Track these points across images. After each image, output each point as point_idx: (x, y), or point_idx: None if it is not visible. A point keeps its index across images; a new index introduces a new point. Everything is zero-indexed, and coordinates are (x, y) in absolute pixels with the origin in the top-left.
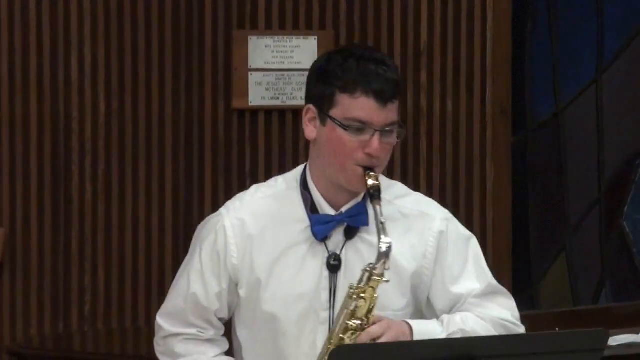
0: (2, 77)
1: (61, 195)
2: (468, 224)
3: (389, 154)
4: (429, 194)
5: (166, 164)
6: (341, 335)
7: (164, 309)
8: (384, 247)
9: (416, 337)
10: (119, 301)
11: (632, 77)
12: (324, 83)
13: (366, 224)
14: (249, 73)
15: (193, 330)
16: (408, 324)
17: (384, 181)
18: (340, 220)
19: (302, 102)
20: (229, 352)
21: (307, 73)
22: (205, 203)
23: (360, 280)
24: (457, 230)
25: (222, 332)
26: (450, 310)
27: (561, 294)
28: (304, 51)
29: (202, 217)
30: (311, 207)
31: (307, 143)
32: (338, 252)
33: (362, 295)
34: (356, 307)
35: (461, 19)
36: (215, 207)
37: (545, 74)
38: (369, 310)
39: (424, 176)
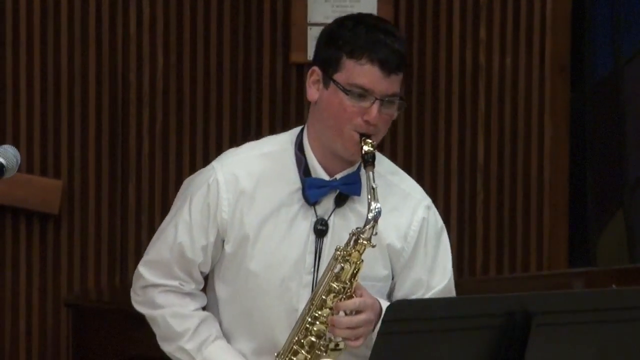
0: (62, 31)
1: (118, 148)
2: (525, 180)
3: (387, 125)
4: (487, 149)
5: (224, 117)
6: (323, 297)
7: (147, 258)
8: (373, 212)
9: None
10: None
11: None
12: (332, 46)
13: (358, 193)
14: (308, 27)
15: (175, 282)
16: (379, 305)
17: (379, 156)
18: (334, 186)
19: None
20: (205, 308)
21: None
22: None
23: (347, 244)
24: (436, 220)
25: (202, 286)
26: (405, 297)
27: (618, 251)
28: (363, 5)
29: None
30: (304, 170)
31: None
32: (326, 218)
33: (347, 258)
34: (341, 269)
35: None
36: None
37: (604, 31)
38: (353, 275)
39: (482, 131)
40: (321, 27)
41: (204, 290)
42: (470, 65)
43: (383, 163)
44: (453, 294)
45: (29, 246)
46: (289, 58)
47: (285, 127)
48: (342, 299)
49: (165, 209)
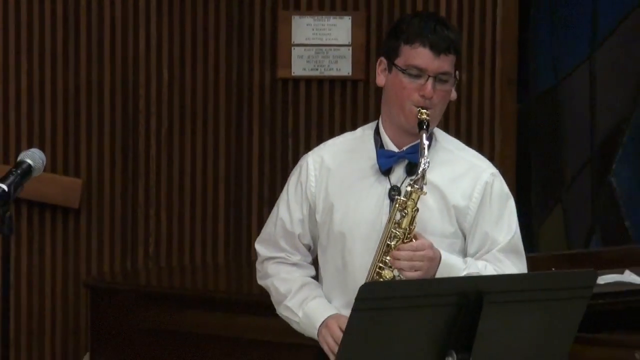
0: (81, 50)
1: (129, 151)
2: None
3: (443, 101)
4: None
5: (220, 124)
6: (388, 242)
7: (260, 237)
8: (423, 165)
9: (442, 267)
10: (179, 243)
11: (620, 54)
12: (393, 37)
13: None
14: (292, 47)
15: (282, 254)
16: (439, 252)
17: (447, 136)
18: (401, 156)
19: (338, 73)
20: (315, 279)
21: (342, 48)
22: (253, 158)
23: (405, 195)
24: (501, 186)
25: (309, 260)
26: (476, 252)
27: (557, 239)
28: (339, 29)
29: (250, 169)
30: (379, 146)
31: (341, 109)
32: (399, 185)
33: (404, 206)
34: (401, 217)
35: (474, 3)
36: (262, 161)
37: (546, 51)
38: (411, 221)
39: None
40: (303, 47)
41: (314, 265)
42: None
43: (453, 141)
44: (519, 249)
45: (53, 236)
46: (276, 74)
47: (272, 133)
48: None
49: (170, 205)
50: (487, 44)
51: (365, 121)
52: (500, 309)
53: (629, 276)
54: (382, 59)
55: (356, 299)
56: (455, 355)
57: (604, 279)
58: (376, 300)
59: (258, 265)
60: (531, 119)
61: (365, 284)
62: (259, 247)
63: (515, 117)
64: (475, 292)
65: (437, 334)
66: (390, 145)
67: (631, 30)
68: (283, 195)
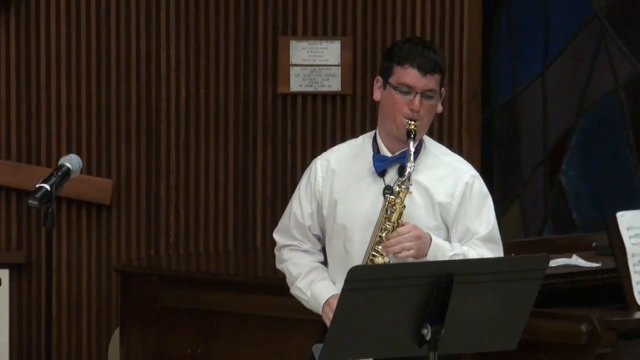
0: (112, 70)
1: (153, 156)
2: None
3: (430, 114)
4: None
5: (229, 133)
6: (380, 234)
7: (277, 228)
8: (409, 168)
9: (433, 246)
10: (195, 233)
11: (568, 71)
12: (388, 59)
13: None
14: (290, 67)
15: (295, 242)
16: (430, 235)
17: (434, 143)
18: (394, 160)
19: (330, 89)
20: (324, 264)
21: (332, 68)
22: (257, 161)
23: (394, 193)
24: (480, 186)
25: (319, 247)
26: (458, 242)
27: (516, 229)
28: (330, 51)
29: (255, 171)
30: (376, 152)
31: (332, 119)
32: (392, 185)
33: (393, 204)
34: (391, 212)
35: (444, 28)
36: (265, 164)
37: (506, 68)
38: (399, 216)
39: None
40: (300, 67)
41: (323, 253)
42: None
43: (439, 147)
44: (497, 239)
45: (89, 228)
46: (276, 90)
47: (274, 141)
48: None
49: (187, 201)
50: (455, 63)
51: (352, 130)
52: (467, 289)
53: (575, 260)
54: (379, 77)
55: (346, 280)
56: (429, 327)
57: (555, 262)
58: (363, 282)
59: (276, 252)
60: (493, 127)
61: (354, 267)
62: (276, 236)
63: (480, 126)
64: (447, 274)
65: (414, 310)
66: (385, 151)
67: (576, 52)
68: (295, 193)
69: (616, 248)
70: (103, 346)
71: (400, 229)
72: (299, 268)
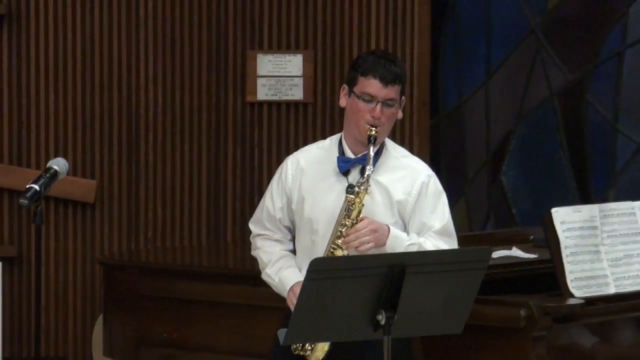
0: (95, 80)
1: (133, 159)
2: None
3: (390, 121)
4: None
5: (203, 138)
6: (340, 229)
7: (252, 219)
8: (368, 171)
9: (391, 237)
10: (171, 229)
11: (508, 81)
12: (353, 70)
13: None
14: (257, 78)
15: (267, 232)
16: (388, 226)
17: (394, 145)
18: (356, 161)
19: (293, 98)
20: (294, 253)
21: (295, 78)
22: (228, 164)
23: (354, 193)
24: (435, 184)
25: (289, 237)
26: (417, 234)
27: (461, 224)
28: (293, 64)
29: (226, 173)
30: (341, 153)
31: (295, 125)
32: (354, 184)
33: (352, 202)
34: (350, 210)
35: (397, 44)
36: (235, 166)
37: (452, 78)
38: (358, 213)
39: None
40: (266, 78)
41: (293, 242)
42: None
43: (399, 150)
44: (451, 232)
45: (74, 225)
46: (245, 99)
47: (243, 145)
48: None
49: (164, 200)
50: (406, 72)
51: (313, 135)
52: (418, 278)
53: (515, 252)
54: (345, 85)
55: (308, 271)
56: (384, 314)
57: (496, 254)
58: (323, 272)
59: (251, 239)
60: (441, 132)
61: (315, 259)
62: (251, 225)
63: (429, 130)
64: (400, 265)
65: (370, 298)
66: (349, 153)
67: (515, 63)
68: (268, 188)
69: (551, 241)
70: (88, 332)
71: (357, 225)
72: (269, 256)
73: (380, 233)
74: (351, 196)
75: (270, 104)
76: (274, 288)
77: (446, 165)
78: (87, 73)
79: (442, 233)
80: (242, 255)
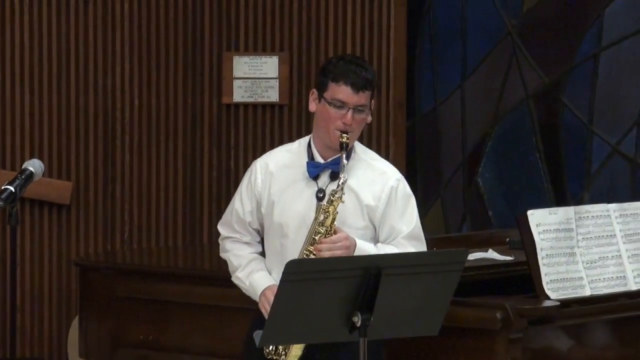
0: (71, 82)
1: (109, 161)
2: None
3: (360, 126)
4: None
5: (178, 140)
6: (313, 237)
7: (221, 221)
8: (342, 179)
9: (357, 252)
10: (147, 230)
11: (483, 83)
12: (323, 75)
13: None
14: (233, 80)
15: (236, 235)
16: (355, 240)
17: (364, 149)
18: (326, 166)
19: (269, 100)
20: (263, 254)
21: (271, 80)
22: (204, 165)
23: (327, 201)
24: (404, 188)
25: (258, 239)
26: (385, 240)
27: (437, 226)
28: (269, 66)
29: (202, 174)
30: (310, 158)
31: (271, 126)
32: (324, 188)
33: (327, 210)
34: (324, 218)
35: (373, 46)
36: (211, 168)
37: (428, 80)
38: (332, 222)
39: None
40: (242, 80)
41: (262, 244)
42: None
43: (369, 153)
44: (420, 236)
45: (50, 226)
46: (221, 100)
47: (219, 146)
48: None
49: (140, 201)
50: (382, 77)
51: (289, 135)
52: (394, 280)
53: (491, 254)
54: (314, 90)
55: (283, 273)
56: (360, 315)
57: (473, 256)
58: (299, 274)
59: (220, 241)
60: (417, 134)
61: (291, 261)
62: (220, 228)
63: (405, 132)
64: (376, 267)
65: (346, 300)
66: (318, 157)
67: (490, 67)
68: (238, 191)
69: (527, 243)
70: (63, 333)
71: (333, 237)
72: (239, 259)
73: (351, 249)
74: (326, 204)
75: (246, 105)
76: (244, 291)
77: (422, 167)
78: (62, 74)
79: (410, 237)
80: (217, 257)
